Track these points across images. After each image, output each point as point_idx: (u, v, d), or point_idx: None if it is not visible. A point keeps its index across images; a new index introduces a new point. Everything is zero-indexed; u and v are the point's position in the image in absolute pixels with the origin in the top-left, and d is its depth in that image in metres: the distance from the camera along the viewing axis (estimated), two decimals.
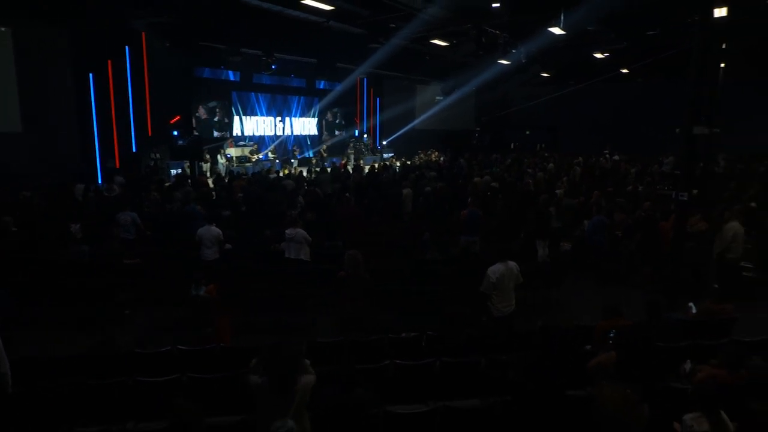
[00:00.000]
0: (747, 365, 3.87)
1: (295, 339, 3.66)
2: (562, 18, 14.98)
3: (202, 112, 20.97)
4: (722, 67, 16.33)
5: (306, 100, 25.68)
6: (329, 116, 27.50)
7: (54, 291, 7.01)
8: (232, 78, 21.71)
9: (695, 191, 9.62)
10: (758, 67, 22.06)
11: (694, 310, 5.95)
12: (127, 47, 16.65)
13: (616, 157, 23.55)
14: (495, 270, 5.63)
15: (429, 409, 3.61)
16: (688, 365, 4.26)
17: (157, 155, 18.01)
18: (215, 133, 21.33)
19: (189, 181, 14.09)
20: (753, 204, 11.84)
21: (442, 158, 24.59)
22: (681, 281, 8.02)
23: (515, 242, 10.05)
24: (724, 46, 15.86)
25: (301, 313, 7.18)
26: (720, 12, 12.18)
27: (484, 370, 4.46)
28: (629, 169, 19.40)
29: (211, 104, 21.15)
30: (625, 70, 24.71)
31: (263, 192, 12.60)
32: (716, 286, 8.37)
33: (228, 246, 8.62)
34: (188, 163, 16.39)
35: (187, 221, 9.39)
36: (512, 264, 5.76)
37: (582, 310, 7.90)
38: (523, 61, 19.38)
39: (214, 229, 7.92)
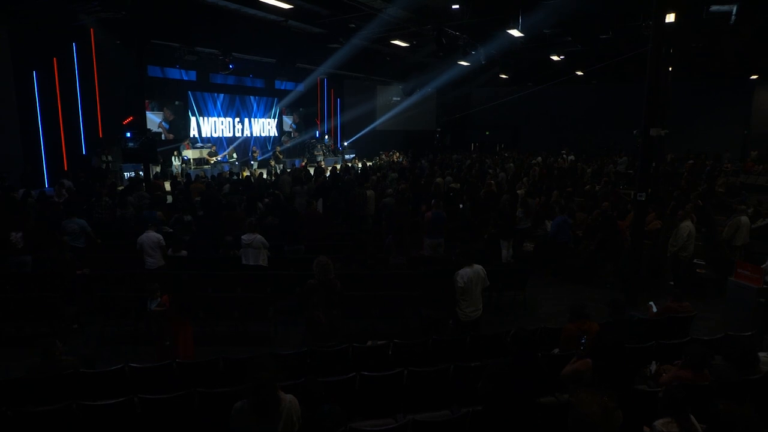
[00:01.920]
0: (710, 365, 3.93)
1: (265, 354, 3.41)
2: (520, 20, 15.19)
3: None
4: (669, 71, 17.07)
5: (265, 101, 25.15)
6: (289, 117, 27.06)
7: None
8: (187, 78, 21.02)
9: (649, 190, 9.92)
10: (697, 71, 23.12)
11: (654, 309, 6.06)
12: (74, 44, 15.86)
13: (572, 157, 24.17)
14: (463, 274, 5.55)
15: (397, 425, 3.46)
16: (653, 366, 4.30)
17: (109, 158, 17.22)
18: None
19: (143, 185, 13.49)
20: (700, 202, 12.32)
21: (403, 159, 24.61)
22: (639, 279, 8.21)
23: (479, 243, 10.09)
24: (671, 51, 16.54)
25: (262, 321, 6.92)
26: (669, 18, 12.67)
27: (453, 377, 4.36)
28: (585, 169, 19.91)
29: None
30: (579, 73, 25.39)
31: (222, 195, 12.18)
32: (672, 283, 8.67)
33: (183, 252, 8.26)
34: (143, 166, 15.73)
35: (143, 228, 8.95)
36: (479, 267, 5.70)
37: (547, 310, 7.99)
38: (483, 62, 19.58)
39: (154, 235, 7.56)
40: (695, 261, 8.69)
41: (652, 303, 6.16)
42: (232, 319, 6.79)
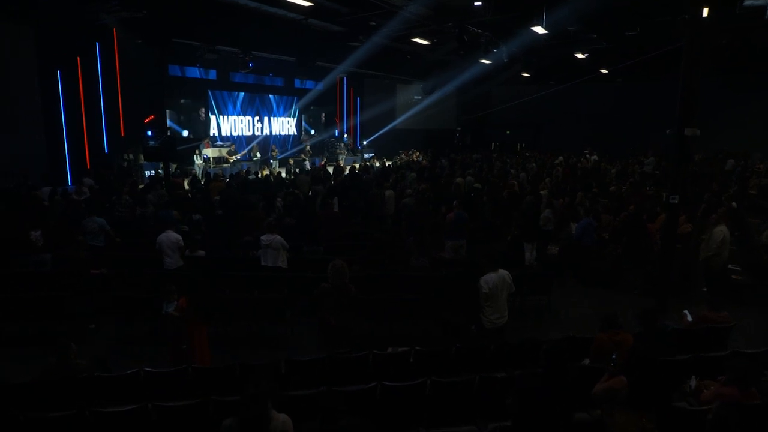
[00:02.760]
0: (758, 383, 3.64)
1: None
2: (544, 17, 14.83)
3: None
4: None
5: (285, 100, 25.14)
6: (309, 116, 27.02)
7: (10, 304, 6.49)
8: (208, 77, 21.11)
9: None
10: (724, 67, 22.31)
11: (689, 318, 5.75)
12: (97, 43, 15.99)
13: (595, 157, 23.61)
14: (488, 280, 5.33)
15: None
16: (692, 382, 4.03)
17: (131, 156, 17.35)
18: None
19: (163, 183, 13.52)
20: (733, 203, 11.82)
21: (423, 158, 24.31)
22: (669, 284, 7.87)
23: (501, 245, 9.83)
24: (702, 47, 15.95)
25: (279, 324, 6.77)
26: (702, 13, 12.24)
27: (478, 389, 4.15)
28: (610, 169, 19.42)
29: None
30: (604, 71, 24.80)
31: (241, 194, 12.12)
32: (705, 289, 8.29)
33: (201, 252, 8.18)
34: (162, 165, 15.81)
35: (162, 227, 8.90)
36: (504, 272, 5.46)
37: (573, 315, 7.71)
38: (505, 60, 19.21)
39: (173, 235, 7.49)
40: (730, 266, 8.29)
41: (686, 311, 5.84)
42: (249, 321, 6.67)
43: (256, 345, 6.53)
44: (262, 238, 7.56)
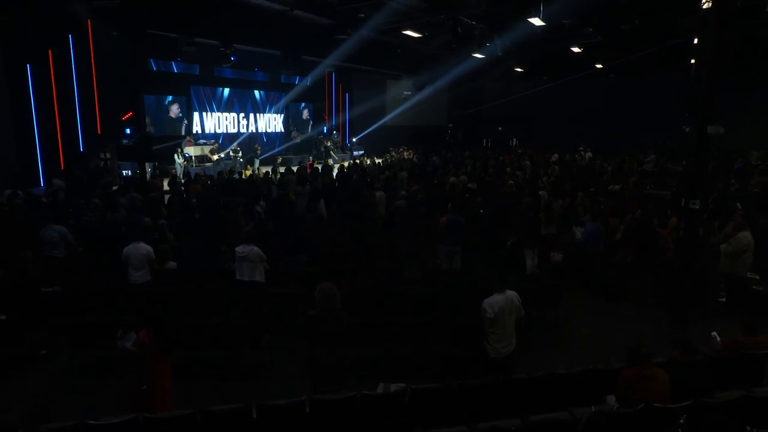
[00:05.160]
0: None
1: None
2: (542, 8, 14.17)
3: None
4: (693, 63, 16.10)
5: (270, 95, 24.25)
6: (296, 112, 26.14)
7: None
8: (189, 71, 20.17)
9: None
10: (726, 65, 21.78)
11: (718, 340, 5.08)
12: (70, 36, 15.05)
13: (590, 154, 23.00)
14: (492, 303, 4.61)
15: None
16: None
17: (108, 155, 16.42)
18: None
19: (139, 185, 12.65)
20: (738, 205, 11.22)
21: (413, 156, 23.52)
22: (687, 294, 7.21)
23: (500, 253, 9.14)
24: (696, 41, 15.45)
25: (256, 348, 5.97)
26: (706, 5, 11.64)
27: None
28: (606, 167, 18.81)
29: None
30: (599, 66, 24.23)
31: (221, 197, 11.31)
32: (723, 300, 7.67)
33: (172, 264, 7.39)
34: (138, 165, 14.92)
35: (132, 234, 8.08)
36: (512, 294, 4.75)
37: (584, 333, 7.03)
38: (499, 54, 18.53)
39: (143, 246, 6.72)
40: (749, 275, 7.66)
41: (715, 333, 5.16)
42: (220, 348, 5.87)
43: (229, 376, 5.75)
44: (237, 249, 6.75)
